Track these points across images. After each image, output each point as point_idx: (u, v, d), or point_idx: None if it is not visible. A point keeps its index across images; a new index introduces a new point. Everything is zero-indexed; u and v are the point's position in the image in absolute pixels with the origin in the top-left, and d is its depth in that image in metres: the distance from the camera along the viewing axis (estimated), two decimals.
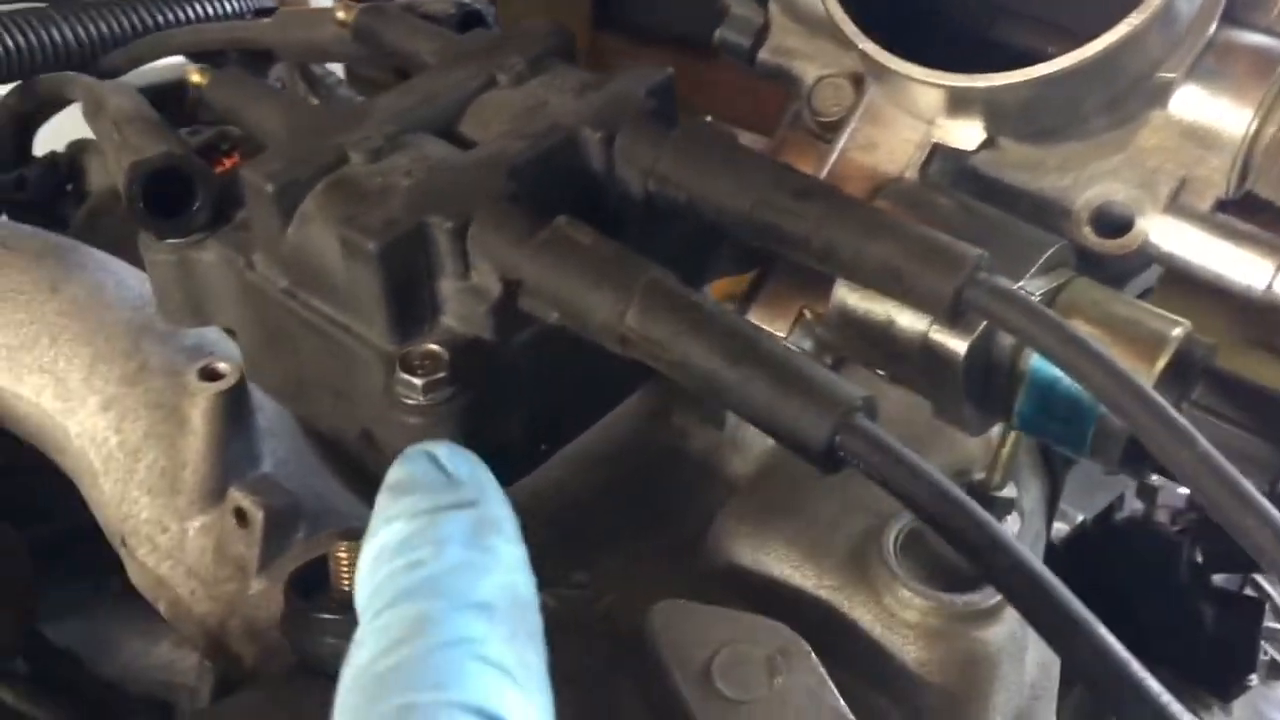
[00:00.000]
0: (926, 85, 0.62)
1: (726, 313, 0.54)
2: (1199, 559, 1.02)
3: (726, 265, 0.73)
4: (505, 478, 0.68)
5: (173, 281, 0.69)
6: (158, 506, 0.78)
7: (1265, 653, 1.09)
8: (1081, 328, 0.59)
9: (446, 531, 0.42)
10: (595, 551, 0.74)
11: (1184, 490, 1.04)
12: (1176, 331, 0.59)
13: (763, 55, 0.78)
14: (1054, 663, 0.74)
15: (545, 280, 0.57)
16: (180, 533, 0.77)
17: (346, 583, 0.55)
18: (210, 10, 1.05)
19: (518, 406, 0.64)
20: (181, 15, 1.02)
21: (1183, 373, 0.58)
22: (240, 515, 0.73)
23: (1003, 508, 0.74)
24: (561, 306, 0.57)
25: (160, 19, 1.01)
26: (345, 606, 0.55)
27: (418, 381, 0.58)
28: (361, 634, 0.40)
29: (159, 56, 0.94)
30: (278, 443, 0.81)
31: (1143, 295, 0.74)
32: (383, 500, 0.44)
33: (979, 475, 0.75)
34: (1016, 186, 0.70)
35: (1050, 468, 0.80)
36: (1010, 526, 0.75)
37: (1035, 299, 0.60)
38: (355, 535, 0.56)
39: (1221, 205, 0.68)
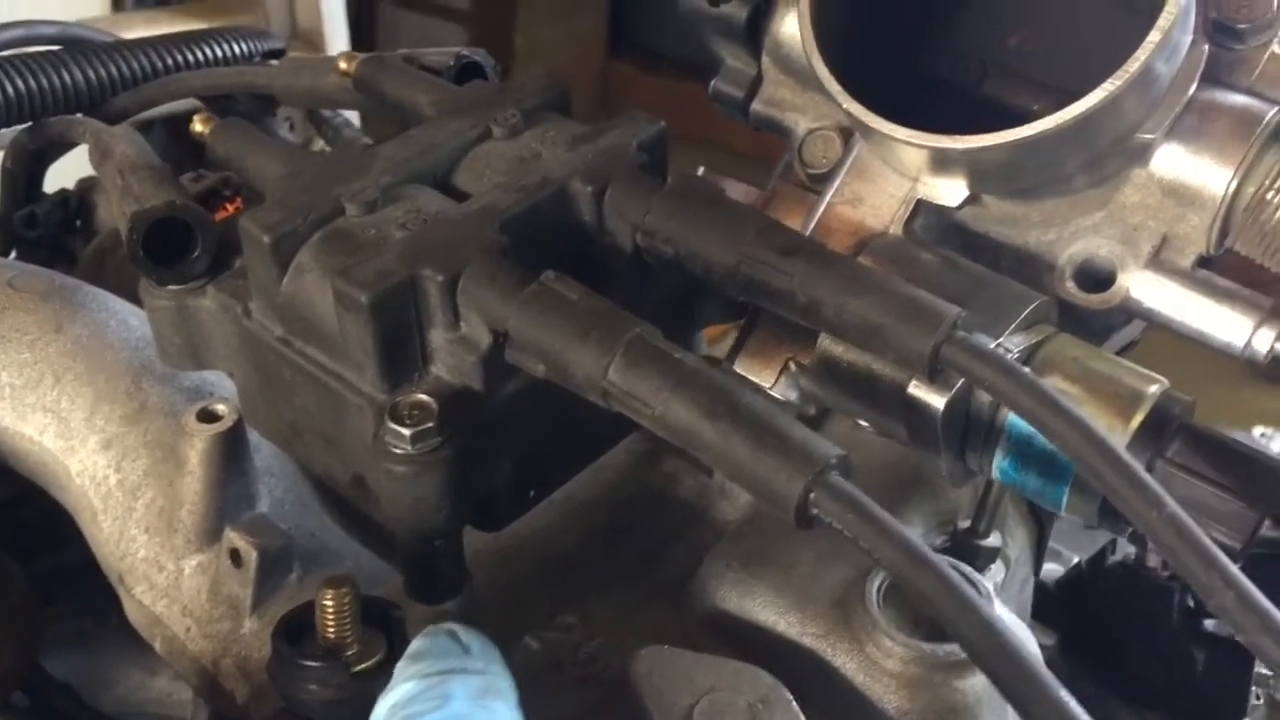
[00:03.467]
0: (908, 145, 0.63)
1: (708, 370, 0.55)
2: (1190, 604, 1.02)
3: (716, 315, 0.74)
4: (496, 523, 0.70)
5: (172, 327, 0.70)
6: (155, 545, 0.79)
7: (1257, 697, 1.09)
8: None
9: (452, 689, 0.47)
10: (583, 595, 0.75)
11: None
12: (1153, 389, 0.60)
13: (755, 107, 0.80)
14: None
15: (531, 333, 0.58)
16: (176, 572, 0.78)
17: (332, 630, 0.56)
18: (220, 53, 1.07)
19: (506, 455, 0.66)
20: (191, 58, 1.04)
21: (1159, 429, 0.59)
22: (235, 556, 0.74)
23: (987, 556, 0.75)
24: (546, 359, 0.58)
25: (170, 61, 1.03)
26: (330, 653, 0.57)
27: (406, 431, 0.59)
28: None
29: (168, 100, 0.96)
30: (275, 483, 0.82)
31: (1127, 348, 0.75)
32: (401, 664, 0.50)
33: (964, 523, 0.76)
34: (1001, 241, 0.71)
35: (1036, 515, 0.81)
36: (995, 575, 0.76)
37: (1013, 355, 0.61)
38: (342, 583, 0.57)
39: (1204, 262, 0.69)
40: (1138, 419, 0.59)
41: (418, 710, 0.46)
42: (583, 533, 0.79)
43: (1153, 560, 1.02)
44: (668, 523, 0.80)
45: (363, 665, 0.56)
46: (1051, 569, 1.19)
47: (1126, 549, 1.07)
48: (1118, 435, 0.59)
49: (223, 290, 0.68)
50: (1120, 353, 0.75)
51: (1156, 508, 0.50)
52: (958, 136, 0.61)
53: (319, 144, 1.12)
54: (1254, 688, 1.02)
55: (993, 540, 0.75)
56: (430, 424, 0.59)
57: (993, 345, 0.59)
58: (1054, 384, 0.60)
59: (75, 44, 1.01)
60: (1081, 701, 1.10)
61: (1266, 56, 0.68)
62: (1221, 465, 0.58)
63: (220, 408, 0.76)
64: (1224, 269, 0.70)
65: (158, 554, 0.79)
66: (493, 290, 0.59)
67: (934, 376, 0.57)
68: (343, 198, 0.64)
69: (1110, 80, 0.59)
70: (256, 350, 0.68)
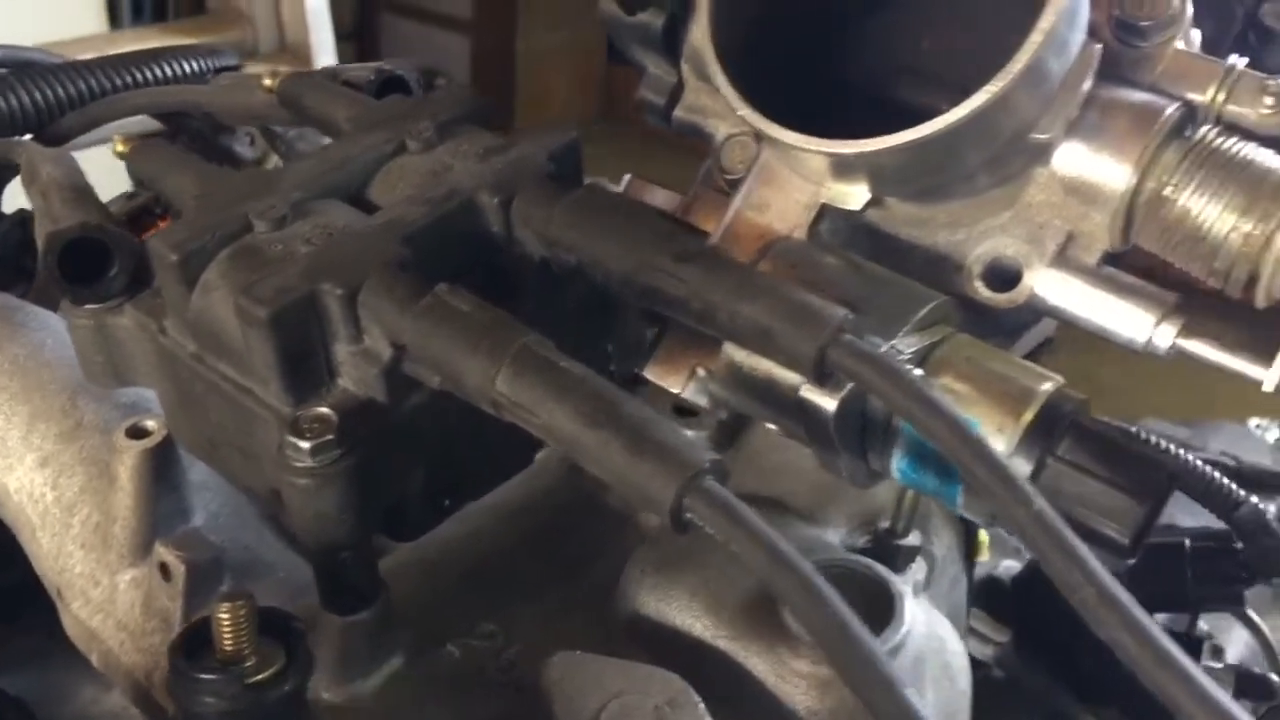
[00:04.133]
0: (808, 151, 0.63)
1: (593, 378, 0.56)
2: (1139, 599, 1.02)
3: (634, 324, 0.75)
4: (409, 533, 0.71)
5: (92, 345, 0.71)
6: (91, 561, 0.80)
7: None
8: (952, 384, 0.61)
9: None
10: (506, 602, 0.76)
11: None
12: (1045, 387, 0.60)
13: (678, 113, 0.80)
14: (960, 712, 0.75)
15: (425, 345, 0.59)
16: (111, 586, 0.79)
17: (229, 643, 0.57)
18: (170, 72, 1.08)
19: (415, 465, 0.66)
20: (140, 78, 1.05)
21: (1050, 427, 0.59)
22: (164, 569, 0.75)
23: (907, 555, 0.75)
24: (440, 371, 0.59)
25: (119, 82, 1.04)
26: (226, 665, 0.57)
27: (305, 445, 0.60)
28: None
29: (112, 119, 0.97)
30: (211, 497, 0.83)
31: (1042, 345, 0.75)
32: None
33: (885, 524, 0.76)
34: (910, 242, 0.71)
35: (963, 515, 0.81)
36: (915, 573, 0.76)
37: (906, 356, 0.61)
38: (238, 596, 0.58)
39: (1112, 258, 0.69)
40: (1028, 416, 0.59)
41: None
42: (511, 540, 0.80)
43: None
44: (596, 530, 0.80)
45: (258, 676, 0.56)
46: (1011, 565, 1.20)
47: None
48: (1008, 433, 0.59)
49: (139, 308, 0.69)
50: (1036, 350, 0.75)
51: (1024, 505, 0.50)
52: (851, 141, 0.62)
53: (274, 160, 1.13)
54: None
55: (912, 540, 0.75)
56: (330, 436, 0.60)
57: (885, 346, 0.60)
58: (947, 384, 0.61)
59: (23, 66, 1.03)
60: (1033, 698, 1.10)
61: (1170, 53, 0.68)
62: (1111, 461, 0.58)
63: (150, 424, 0.77)
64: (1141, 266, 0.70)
65: (93, 569, 0.80)
66: (390, 303, 0.60)
67: (821, 379, 0.58)
68: (251, 215, 0.65)
69: (995, 79, 0.59)
70: (172, 367, 0.68)
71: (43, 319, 0.87)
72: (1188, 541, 0.98)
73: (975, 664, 1.05)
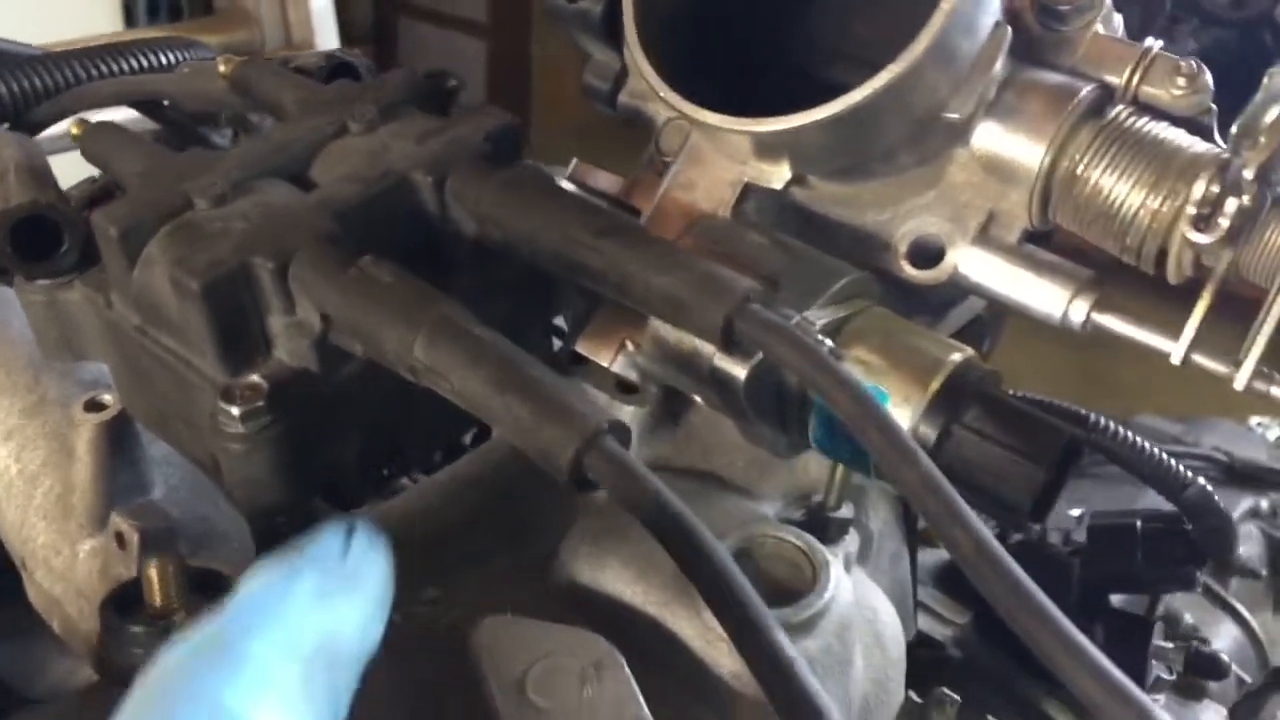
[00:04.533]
0: (727, 131, 0.65)
1: (504, 345, 0.58)
2: (1092, 579, 1.04)
3: (573, 301, 0.77)
4: (344, 501, 0.73)
5: (45, 320, 0.74)
6: (53, 531, 0.82)
7: (1171, 671, 1.10)
8: (864, 354, 0.63)
9: (295, 587, 0.44)
10: (452, 569, 0.78)
11: (1074, 512, 1.07)
12: (953, 358, 0.62)
13: (621, 99, 0.82)
14: (891, 680, 0.77)
15: (348, 315, 0.61)
16: (72, 556, 0.82)
17: (158, 598, 0.59)
18: (145, 63, 1.11)
19: (350, 434, 0.69)
20: (115, 69, 1.08)
21: (957, 395, 0.61)
22: (120, 538, 0.77)
23: (839, 528, 0.77)
24: (363, 339, 0.61)
25: (94, 73, 1.07)
26: (155, 619, 0.60)
27: (235, 410, 0.62)
28: (182, 638, 0.43)
29: (84, 109, 0.99)
30: (172, 471, 0.85)
31: (971, 323, 0.77)
32: (280, 552, 0.47)
33: (818, 498, 0.78)
34: (838, 221, 0.73)
35: None
36: (848, 545, 0.78)
37: (818, 327, 0.63)
38: (165, 555, 0.60)
39: (1033, 237, 0.71)
40: (934, 385, 0.61)
41: (260, 604, 0.44)
42: (462, 510, 0.82)
43: (1053, 537, 1.04)
44: (545, 501, 0.82)
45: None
46: None
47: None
48: (915, 401, 0.61)
49: (88, 284, 0.72)
50: (965, 328, 0.77)
51: (913, 465, 0.52)
52: (767, 119, 0.64)
53: None
54: (1152, 661, 1.03)
55: (844, 512, 0.76)
56: (260, 403, 0.62)
57: (796, 318, 0.62)
58: (859, 354, 0.62)
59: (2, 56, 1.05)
60: (991, 677, 1.11)
61: (1089, 37, 0.69)
62: (1013, 429, 0.60)
63: (107, 398, 0.80)
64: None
65: (55, 539, 0.82)
66: (317, 275, 0.62)
67: (729, 347, 0.60)
68: (192, 192, 0.68)
69: (901, 57, 0.61)
70: (119, 340, 0.71)
71: (8, 298, 0.89)
72: (1139, 523, 1.00)
73: (931, 643, 1.07)
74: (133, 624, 0.58)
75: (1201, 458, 1.91)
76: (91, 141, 0.74)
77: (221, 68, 0.82)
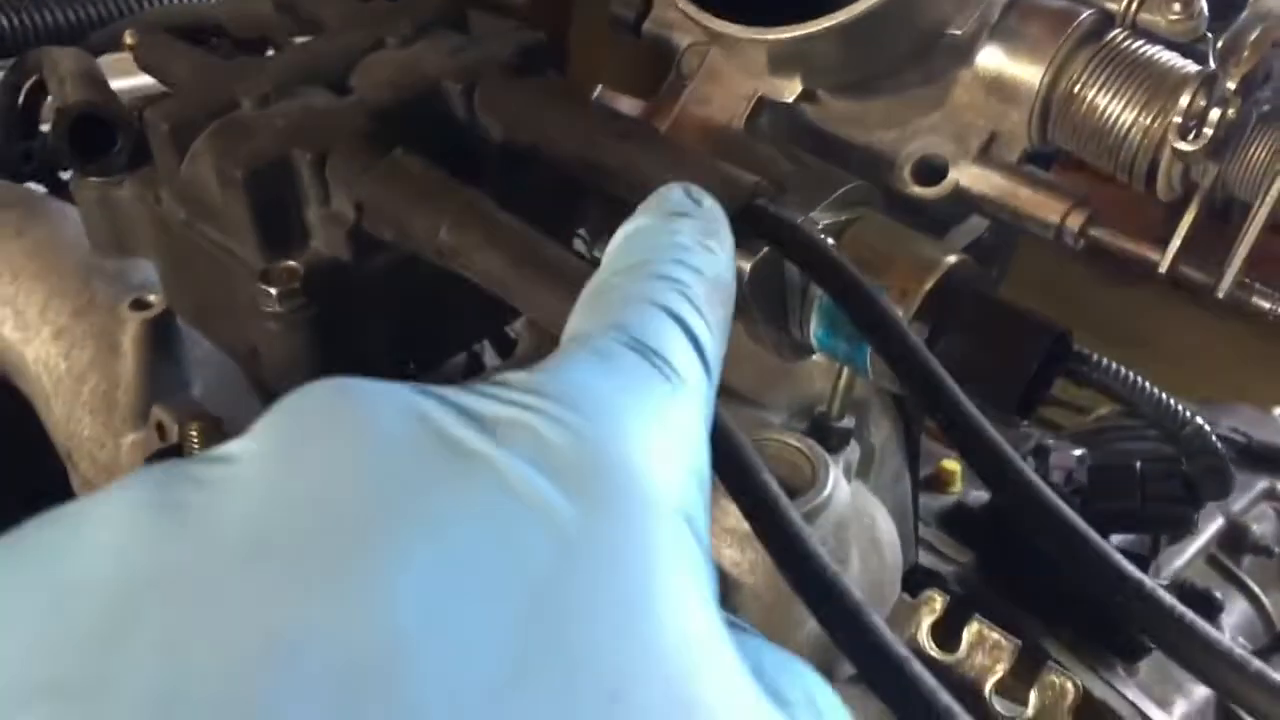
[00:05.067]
0: (743, 40, 0.69)
1: (524, 229, 0.62)
2: (1093, 518, 1.06)
3: (593, 215, 0.81)
4: None
5: (98, 216, 0.78)
6: (98, 425, 0.87)
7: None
8: (863, 253, 0.66)
9: (679, 226, 0.50)
10: None
11: (1076, 451, 1.10)
12: (949, 259, 0.65)
13: (647, 26, 0.86)
14: (887, 584, 0.81)
15: (379, 202, 0.65)
16: (115, 448, 0.86)
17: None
18: None
19: (380, 324, 0.73)
20: None
21: (950, 294, 0.64)
22: (160, 429, 0.82)
23: (841, 437, 0.80)
24: (392, 225, 0.65)
25: (146, 4, 1.12)
26: None
27: (273, 291, 0.66)
28: (606, 265, 0.49)
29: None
30: (210, 372, 0.89)
31: (972, 244, 0.80)
32: (640, 206, 0.53)
33: (822, 409, 0.82)
34: (848, 140, 0.76)
35: (901, 408, 0.87)
36: (849, 455, 0.81)
37: (821, 226, 0.67)
38: (204, 418, 0.65)
39: (1033, 158, 0.74)
40: (929, 283, 0.64)
41: (648, 237, 0.49)
42: None
43: (1055, 476, 1.07)
44: None
45: None
46: (980, 495, 1.24)
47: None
48: (911, 296, 0.64)
49: (138, 181, 0.76)
50: (967, 248, 0.80)
51: (900, 342, 0.55)
52: (779, 28, 0.67)
53: None
54: None
55: (846, 423, 0.80)
56: (296, 285, 0.67)
57: (802, 218, 0.65)
58: (859, 253, 0.66)
59: None
60: (990, 613, 1.13)
61: None
62: (1002, 325, 0.63)
63: (152, 298, 0.84)
64: None
65: (100, 433, 0.87)
66: (352, 165, 0.67)
67: (737, 241, 0.63)
68: (239, 94, 0.72)
69: None
70: (166, 234, 0.75)
71: (62, 209, 0.94)
72: (1139, 463, 1.03)
73: (932, 577, 1.11)
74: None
75: (1219, 438, 1.93)
76: (146, 50, 0.79)
77: None
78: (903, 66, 0.71)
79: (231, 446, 0.34)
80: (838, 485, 0.74)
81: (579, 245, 0.84)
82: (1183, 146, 0.63)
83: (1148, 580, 0.47)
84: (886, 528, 0.83)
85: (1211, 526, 1.71)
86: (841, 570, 0.76)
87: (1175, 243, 0.66)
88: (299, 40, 0.99)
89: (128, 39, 0.80)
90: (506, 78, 0.73)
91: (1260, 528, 1.81)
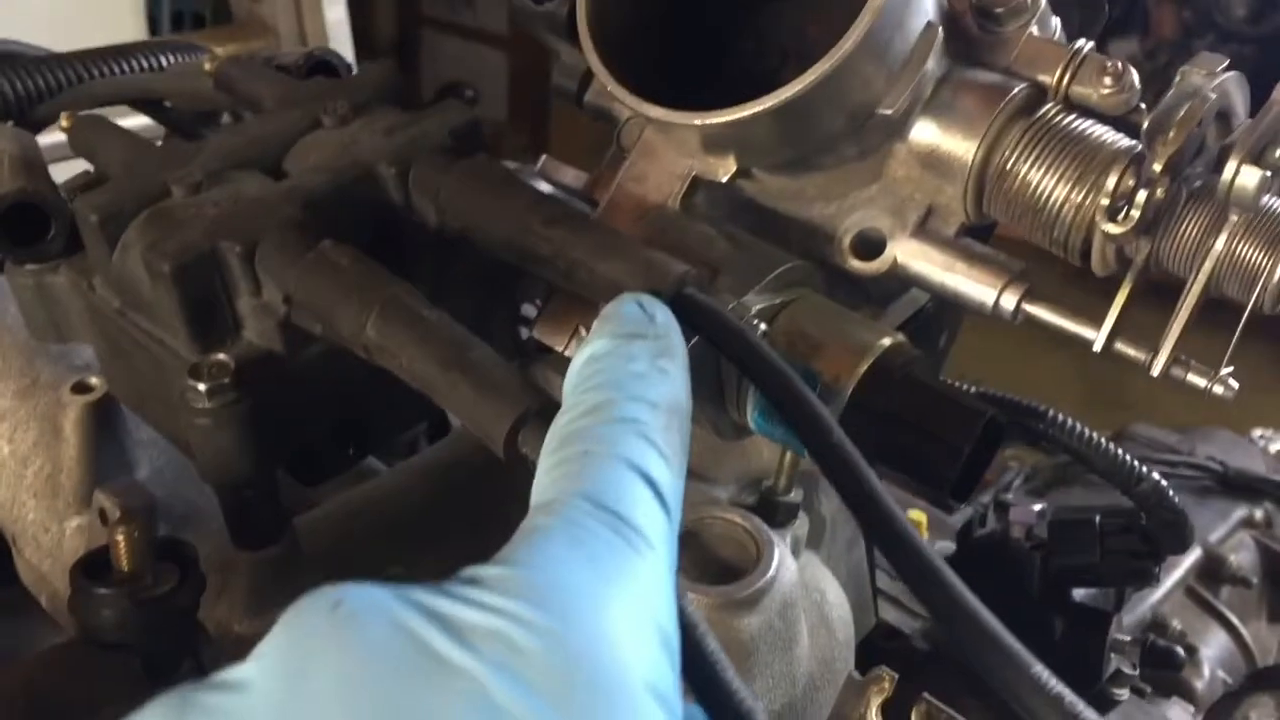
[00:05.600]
0: (674, 124, 0.69)
1: (450, 326, 0.61)
2: (1055, 573, 1.06)
3: (536, 290, 0.80)
4: (315, 478, 0.77)
5: (34, 303, 0.77)
6: (42, 509, 0.86)
7: (1132, 666, 1.12)
8: (797, 337, 0.66)
9: (634, 351, 0.54)
10: (417, 549, 0.81)
11: (1037, 507, 1.09)
12: (883, 341, 0.65)
13: (588, 98, 0.86)
14: (838, 660, 0.80)
15: (307, 295, 0.65)
16: (59, 533, 0.86)
17: (126, 563, 0.62)
18: (148, 64, 1.15)
19: (317, 413, 0.72)
20: (118, 70, 1.12)
21: (883, 378, 0.64)
22: (102, 515, 0.81)
23: (787, 511, 0.80)
24: (321, 319, 0.65)
25: (96, 74, 1.11)
26: (124, 582, 0.63)
27: (202, 387, 0.65)
28: (563, 406, 0.52)
29: (82, 108, 1.04)
30: (158, 453, 0.89)
31: (915, 314, 0.80)
32: (596, 324, 0.57)
33: (769, 482, 0.81)
34: (786, 215, 0.76)
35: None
36: (797, 529, 0.80)
37: (755, 310, 0.66)
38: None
39: (971, 230, 0.74)
40: (863, 366, 0.64)
41: (607, 365, 0.53)
42: (430, 493, 0.86)
43: (1016, 531, 1.06)
44: (513, 486, 0.85)
45: (150, 594, 0.62)
46: (946, 546, 1.24)
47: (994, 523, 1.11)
48: (844, 381, 0.64)
49: (73, 268, 0.76)
50: (905, 323, 0.79)
51: (823, 435, 0.55)
52: (708, 112, 0.67)
53: None
54: (1111, 654, 1.05)
55: (794, 497, 0.79)
56: (227, 380, 0.66)
57: (733, 302, 0.65)
58: (793, 337, 0.66)
59: (6, 59, 1.10)
60: (956, 668, 1.12)
61: (1024, 38, 0.72)
62: (935, 411, 0.62)
63: (94, 380, 0.84)
64: None
65: (44, 517, 0.86)
66: (281, 258, 0.66)
67: None
68: (170, 181, 0.71)
69: (832, 52, 0.64)
70: (101, 322, 0.75)
71: (4, 288, 0.93)
72: (1098, 518, 1.02)
73: (898, 635, 1.10)
74: (100, 587, 0.62)
75: (1196, 466, 1.92)
76: (79, 133, 0.78)
77: (206, 66, 0.86)
78: (838, 142, 0.71)
79: (240, 672, 0.38)
80: (783, 565, 0.73)
81: (530, 310, 0.83)
82: (1110, 229, 0.63)
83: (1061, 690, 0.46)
84: (837, 601, 0.82)
85: (1189, 558, 1.71)
86: (789, 650, 0.76)
87: (1109, 322, 0.66)
88: (229, 124, 0.99)
89: (63, 121, 0.79)
90: (441, 160, 0.72)
91: (1238, 558, 1.80)
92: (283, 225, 0.68)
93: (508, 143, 4.99)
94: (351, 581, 0.43)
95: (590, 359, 0.54)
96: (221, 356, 0.67)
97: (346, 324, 0.63)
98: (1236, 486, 1.95)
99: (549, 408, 0.57)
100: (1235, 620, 1.73)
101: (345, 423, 0.74)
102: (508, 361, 0.60)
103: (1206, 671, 1.57)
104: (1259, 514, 1.93)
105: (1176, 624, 1.58)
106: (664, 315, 0.57)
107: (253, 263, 0.67)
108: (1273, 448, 2.20)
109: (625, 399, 0.51)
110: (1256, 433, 2.23)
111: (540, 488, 0.48)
